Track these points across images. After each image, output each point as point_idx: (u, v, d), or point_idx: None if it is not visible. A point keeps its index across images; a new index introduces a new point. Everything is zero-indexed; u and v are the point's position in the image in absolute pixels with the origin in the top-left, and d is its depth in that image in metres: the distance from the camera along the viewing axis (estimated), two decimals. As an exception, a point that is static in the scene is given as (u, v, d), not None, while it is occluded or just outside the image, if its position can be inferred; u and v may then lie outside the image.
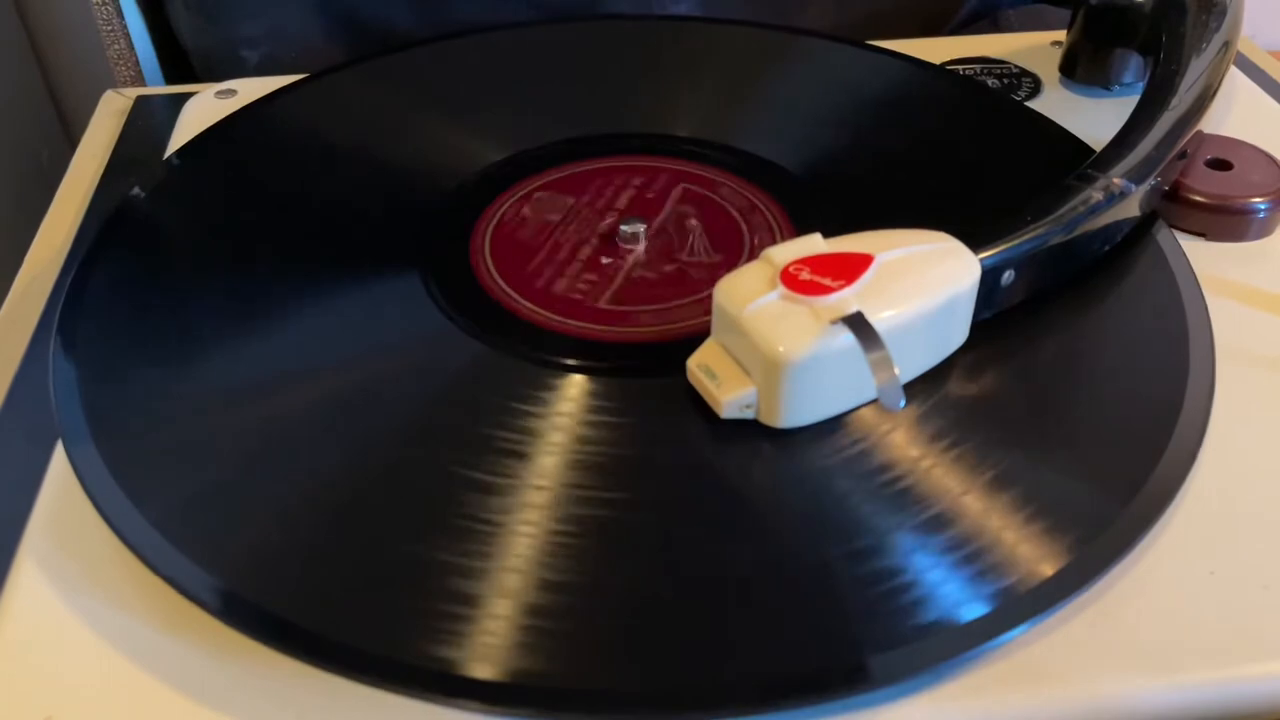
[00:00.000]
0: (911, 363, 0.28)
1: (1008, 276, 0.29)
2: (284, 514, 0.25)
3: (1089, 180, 0.30)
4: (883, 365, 0.24)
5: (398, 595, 0.23)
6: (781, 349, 0.25)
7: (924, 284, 0.27)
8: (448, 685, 0.22)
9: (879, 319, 0.25)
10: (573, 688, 0.22)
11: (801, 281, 0.26)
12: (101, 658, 0.23)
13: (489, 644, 0.22)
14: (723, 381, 0.26)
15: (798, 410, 0.26)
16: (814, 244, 0.27)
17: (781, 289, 0.26)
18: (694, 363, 0.27)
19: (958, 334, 0.28)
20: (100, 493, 0.25)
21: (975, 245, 0.28)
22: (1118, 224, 0.32)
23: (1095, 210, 0.30)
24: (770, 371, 0.25)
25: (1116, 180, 0.30)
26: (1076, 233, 0.30)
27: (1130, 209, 0.32)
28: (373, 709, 0.22)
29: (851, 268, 0.26)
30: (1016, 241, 0.28)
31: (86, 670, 0.23)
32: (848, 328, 0.25)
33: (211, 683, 0.23)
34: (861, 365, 0.24)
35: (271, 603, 0.23)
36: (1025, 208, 0.30)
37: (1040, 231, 0.29)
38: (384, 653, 0.22)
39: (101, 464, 0.26)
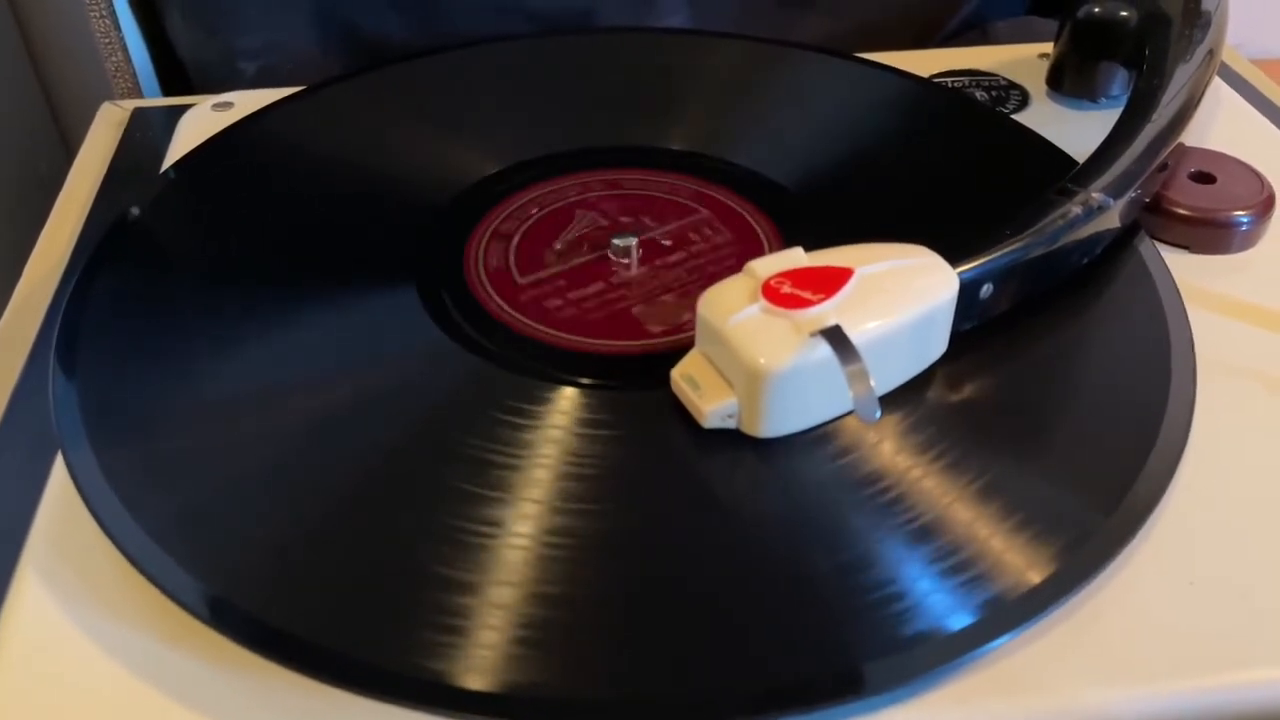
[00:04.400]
0: (890, 374, 0.28)
1: (986, 290, 0.29)
2: (280, 525, 0.25)
3: (1068, 194, 0.31)
4: (859, 378, 0.24)
5: (393, 607, 0.24)
6: (762, 360, 0.25)
7: (902, 298, 0.27)
8: (442, 696, 0.22)
9: (857, 332, 0.26)
10: (564, 698, 0.22)
11: (783, 294, 0.26)
12: (102, 668, 0.24)
13: (482, 655, 0.23)
14: (705, 391, 0.27)
15: (778, 420, 0.27)
16: (796, 258, 0.28)
17: (763, 302, 0.26)
18: (678, 373, 0.28)
19: (936, 346, 0.29)
20: (99, 503, 0.25)
21: (954, 259, 0.28)
22: (1098, 236, 0.32)
23: (1074, 224, 0.30)
24: (751, 382, 0.26)
25: (1095, 194, 0.31)
26: (1055, 246, 0.30)
27: (1110, 222, 0.32)
28: (367, 718, 0.22)
29: (831, 281, 0.27)
30: (994, 255, 0.29)
31: (88, 681, 0.23)
32: (826, 340, 0.25)
33: (209, 693, 0.23)
34: (839, 377, 0.25)
35: (268, 613, 0.23)
36: (1004, 222, 0.30)
37: (1018, 245, 0.29)
38: (379, 663, 0.23)
39: (100, 474, 0.26)
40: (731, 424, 0.27)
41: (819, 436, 0.27)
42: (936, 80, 0.44)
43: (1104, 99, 0.42)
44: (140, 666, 0.24)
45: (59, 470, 0.28)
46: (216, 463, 0.27)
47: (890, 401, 0.28)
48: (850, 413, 0.28)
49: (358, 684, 0.22)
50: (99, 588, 0.25)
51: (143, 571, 0.24)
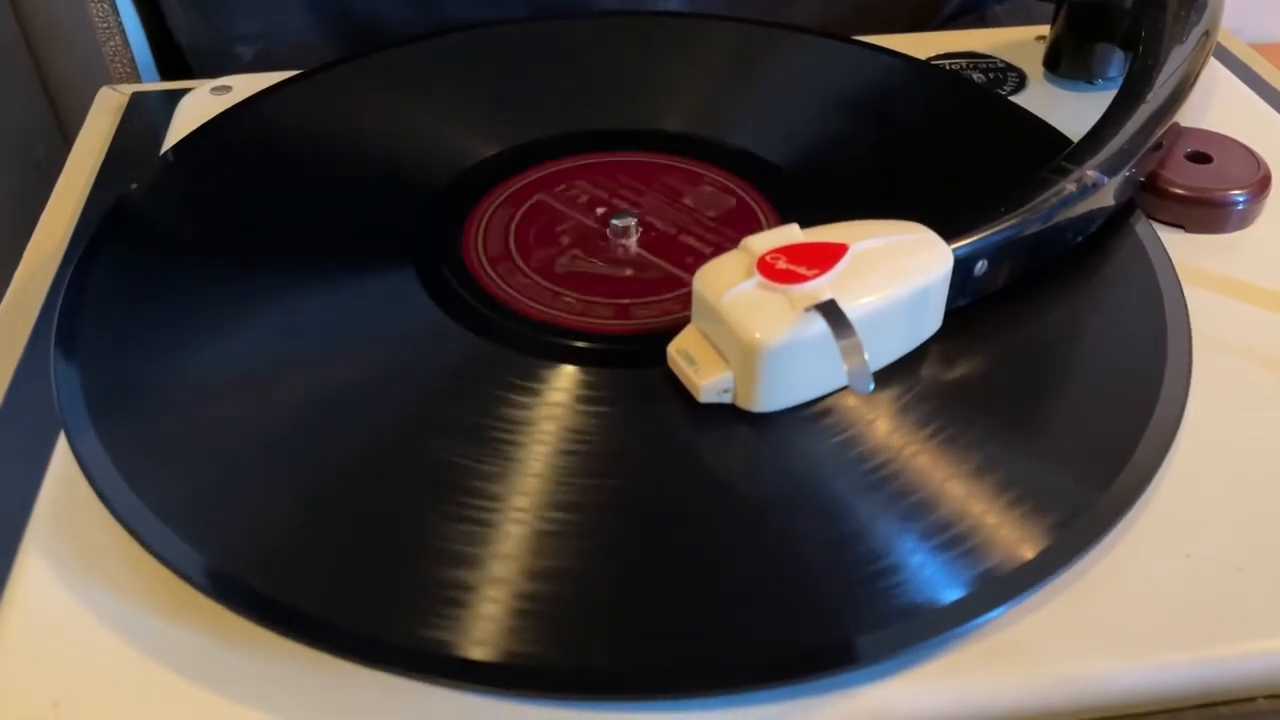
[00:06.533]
0: (884, 349, 0.28)
1: (981, 267, 0.29)
2: (283, 501, 0.26)
3: (1063, 173, 0.31)
4: (853, 351, 0.24)
5: (395, 580, 0.24)
6: (757, 335, 0.26)
7: (896, 273, 0.27)
8: (443, 666, 0.22)
9: (851, 307, 0.26)
10: (563, 668, 0.22)
11: (778, 270, 0.26)
12: (106, 644, 0.24)
13: (484, 627, 0.23)
14: (701, 366, 0.27)
15: (773, 395, 0.27)
16: (791, 234, 0.28)
17: (758, 277, 0.26)
18: (674, 348, 0.28)
19: (931, 322, 0.29)
20: (103, 481, 0.26)
21: (949, 236, 0.28)
22: (1093, 215, 0.32)
23: (1068, 202, 0.30)
24: (746, 357, 0.26)
25: (1089, 172, 0.31)
26: (1050, 224, 0.30)
27: (1105, 200, 0.32)
28: (371, 690, 0.23)
29: (826, 257, 0.27)
30: (989, 232, 0.29)
31: (91, 656, 0.24)
32: (821, 315, 0.25)
33: (213, 667, 0.23)
34: (834, 351, 0.25)
35: (271, 587, 0.24)
36: (999, 199, 0.30)
37: (1013, 223, 0.29)
38: (381, 635, 0.23)
39: (104, 453, 0.26)
40: (727, 398, 0.27)
41: (814, 412, 0.27)
42: (934, 63, 0.44)
43: (1101, 81, 0.42)
44: (144, 641, 0.24)
45: (61, 452, 0.28)
46: (219, 440, 0.27)
47: (885, 378, 0.28)
48: (845, 387, 0.28)
49: (361, 655, 0.23)
50: (102, 566, 0.25)
51: (148, 547, 0.24)
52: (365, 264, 0.33)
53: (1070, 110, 0.40)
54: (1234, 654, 0.24)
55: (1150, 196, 0.35)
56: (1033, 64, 0.44)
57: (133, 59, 0.49)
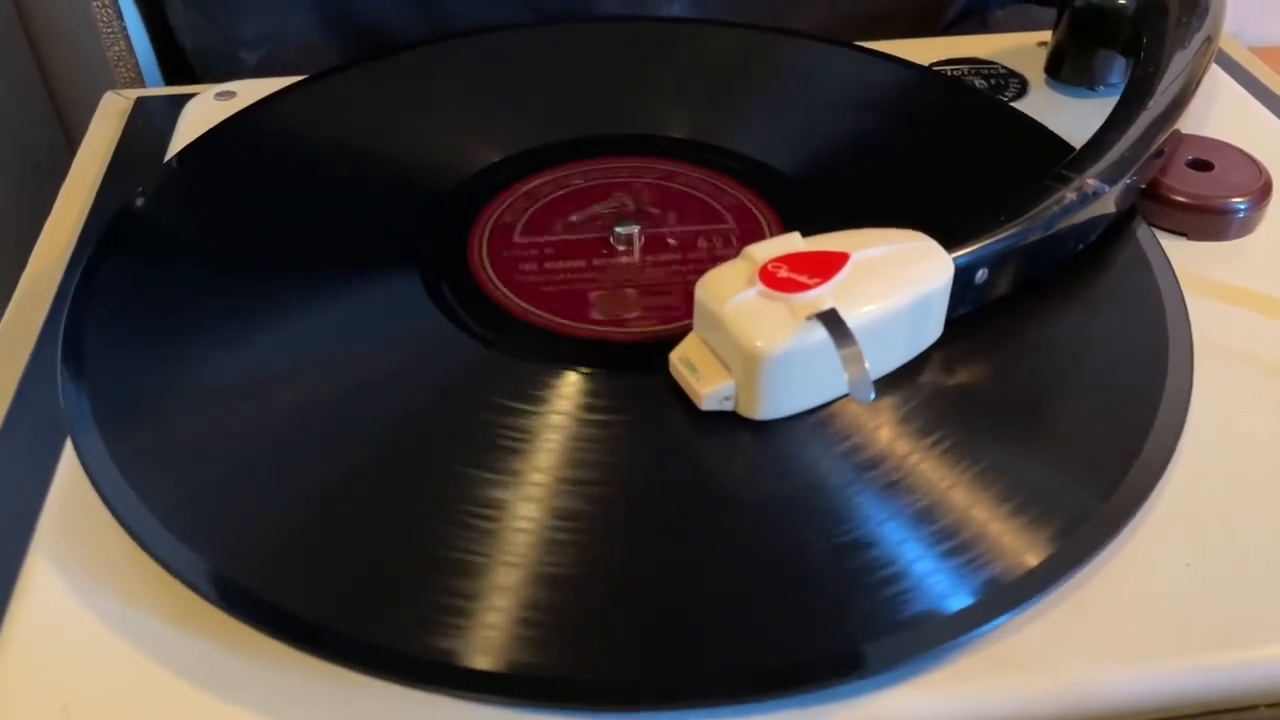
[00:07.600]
0: (885, 358, 0.28)
1: (981, 275, 0.29)
2: (287, 509, 0.26)
3: (1063, 181, 0.31)
4: (854, 360, 0.25)
5: (400, 588, 0.24)
6: (759, 344, 0.26)
7: (897, 282, 0.27)
8: (448, 676, 0.22)
9: (852, 315, 0.26)
10: (568, 678, 0.22)
11: (779, 279, 0.27)
12: (114, 650, 0.24)
13: (488, 636, 0.23)
14: (703, 374, 0.27)
15: (774, 403, 0.27)
16: (793, 242, 0.28)
17: (760, 286, 0.27)
18: (676, 356, 0.28)
19: (932, 330, 0.29)
20: (109, 488, 0.26)
21: (949, 244, 0.28)
22: (1094, 223, 0.32)
23: (1069, 210, 0.30)
24: (748, 365, 0.26)
25: (1090, 180, 0.31)
26: (1051, 232, 0.30)
27: (1105, 207, 0.32)
28: (375, 699, 0.23)
29: (828, 266, 0.27)
30: (990, 241, 0.29)
31: (100, 662, 0.24)
32: (822, 324, 0.25)
33: (219, 674, 0.23)
34: (835, 360, 0.25)
35: (276, 595, 0.24)
36: (1000, 208, 0.30)
37: (1014, 231, 0.29)
38: (386, 644, 0.23)
39: (109, 458, 0.26)
40: (729, 406, 0.27)
41: (815, 420, 0.27)
42: (936, 68, 0.44)
43: (1103, 87, 0.43)
44: (152, 647, 0.24)
45: (67, 457, 0.28)
46: (223, 447, 0.27)
47: (886, 385, 0.28)
48: (846, 396, 0.28)
49: (364, 664, 0.23)
50: (108, 572, 0.25)
51: (152, 555, 0.24)
52: (369, 270, 0.33)
53: (1072, 116, 0.40)
54: (1235, 662, 0.24)
55: (1152, 204, 0.35)
56: (1034, 70, 0.44)
57: (137, 63, 0.49)
